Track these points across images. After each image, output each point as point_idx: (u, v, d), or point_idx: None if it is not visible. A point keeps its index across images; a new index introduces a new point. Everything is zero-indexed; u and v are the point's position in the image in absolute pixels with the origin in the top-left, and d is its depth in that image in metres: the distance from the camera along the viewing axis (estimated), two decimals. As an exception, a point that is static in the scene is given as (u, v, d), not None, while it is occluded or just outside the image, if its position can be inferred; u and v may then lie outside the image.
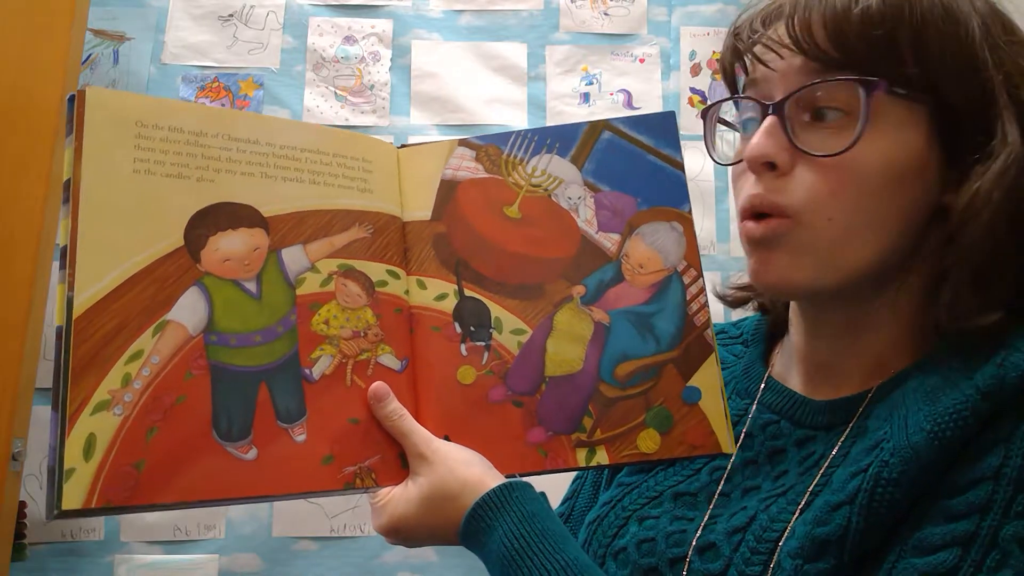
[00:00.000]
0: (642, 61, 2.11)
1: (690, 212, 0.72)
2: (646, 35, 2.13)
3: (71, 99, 0.61)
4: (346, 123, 2.04)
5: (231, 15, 2.06)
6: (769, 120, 0.64)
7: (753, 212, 0.65)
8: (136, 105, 0.64)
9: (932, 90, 0.61)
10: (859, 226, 0.62)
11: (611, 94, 2.10)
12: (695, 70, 2.11)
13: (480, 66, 2.09)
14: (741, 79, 0.70)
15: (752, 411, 0.74)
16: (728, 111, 0.72)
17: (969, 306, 0.60)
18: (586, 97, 2.09)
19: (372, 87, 2.06)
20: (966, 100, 0.62)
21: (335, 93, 2.05)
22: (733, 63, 0.71)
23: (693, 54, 2.11)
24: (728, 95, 0.72)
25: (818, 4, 0.62)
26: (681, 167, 0.72)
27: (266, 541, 1.80)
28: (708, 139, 0.73)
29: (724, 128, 0.73)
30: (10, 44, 1.53)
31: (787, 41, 0.63)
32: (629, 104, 2.10)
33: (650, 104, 2.10)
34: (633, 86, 2.10)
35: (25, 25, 1.55)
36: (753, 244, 0.65)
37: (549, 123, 2.07)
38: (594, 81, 2.10)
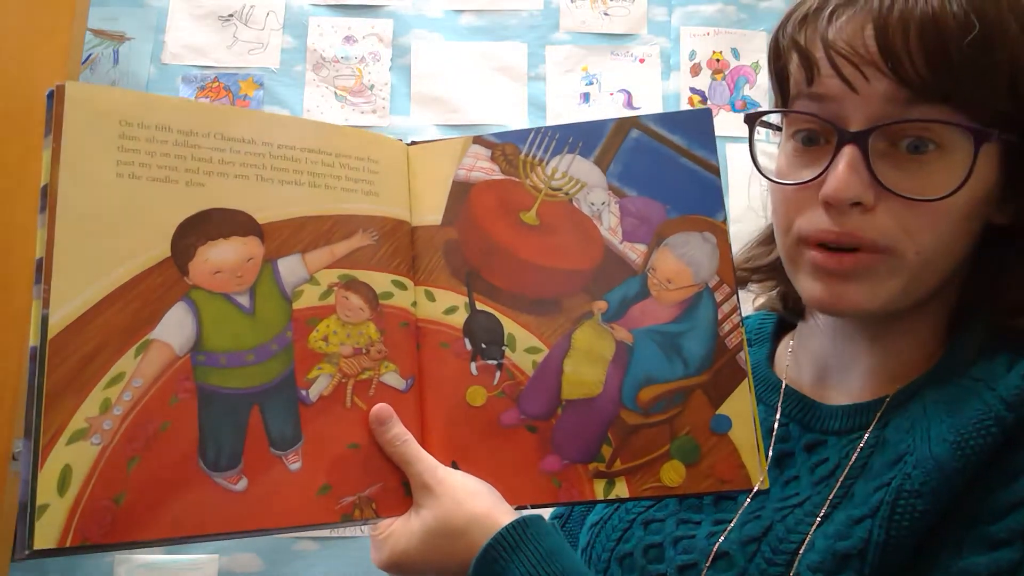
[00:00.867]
0: (642, 61, 2.11)
1: (725, 221, 0.65)
2: (646, 35, 2.13)
3: (50, 95, 0.56)
4: (346, 123, 2.04)
5: (231, 15, 2.06)
6: (851, 153, 0.58)
7: (827, 243, 0.61)
8: (120, 102, 0.58)
9: (1019, 122, 0.58)
10: (938, 256, 0.61)
11: (611, 94, 2.10)
12: (695, 70, 2.11)
13: (480, 66, 2.09)
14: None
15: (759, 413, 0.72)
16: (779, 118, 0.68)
17: None
18: (586, 97, 2.09)
19: (372, 87, 2.06)
20: None
21: (335, 93, 2.05)
22: (793, 58, 0.64)
23: (693, 54, 2.11)
24: (773, 86, 0.68)
25: (915, 13, 0.56)
26: (717, 171, 0.66)
27: (266, 541, 1.79)
28: (755, 149, 0.67)
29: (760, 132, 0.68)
30: (10, 44, 1.54)
31: (878, 60, 0.57)
32: (629, 104, 2.10)
33: (650, 104, 2.10)
34: (633, 86, 2.10)
35: (25, 25, 1.56)
36: (826, 274, 0.62)
37: (549, 124, 2.07)
38: (594, 81, 2.10)
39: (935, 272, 0.62)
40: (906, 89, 0.57)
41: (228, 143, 0.61)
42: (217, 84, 2.02)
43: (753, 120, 0.67)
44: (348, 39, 2.08)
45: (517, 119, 2.07)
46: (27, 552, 0.51)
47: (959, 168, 0.58)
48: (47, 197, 0.55)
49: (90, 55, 1.99)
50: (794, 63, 0.64)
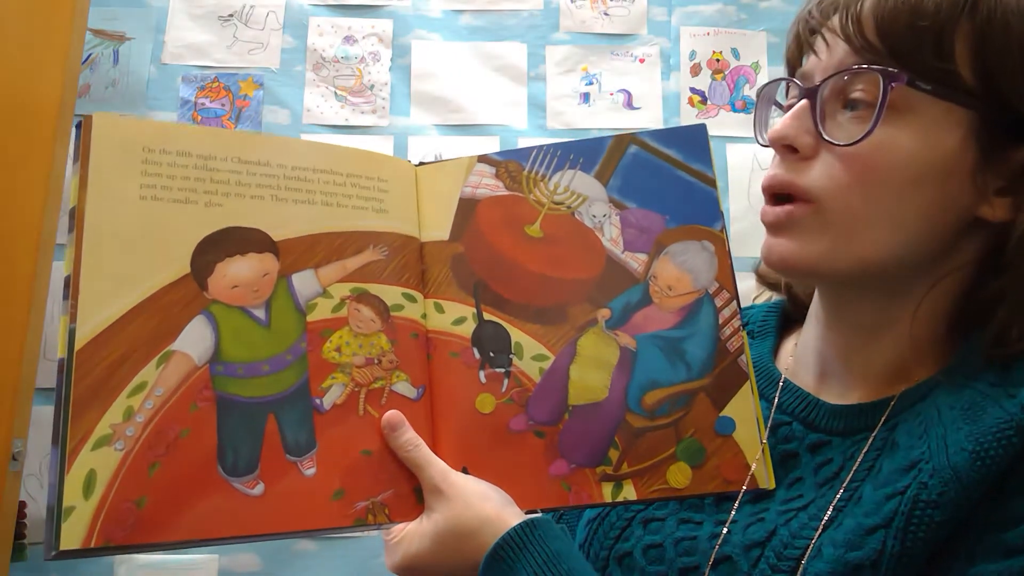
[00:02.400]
0: (642, 61, 2.12)
1: (722, 230, 0.68)
2: (646, 35, 2.13)
3: (78, 125, 0.59)
4: (346, 123, 2.04)
5: (231, 15, 2.06)
6: (800, 104, 0.63)
7: (772, 192, 0.64)
8: (143, 130, 0.62)
9: (987, 93, 0.59)
10: (875, 218, 0.61)
11: (611, 94, 2.10)
12: (695, 70, 2.11)
13: (480, 66, 2.09)
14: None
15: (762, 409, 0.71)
16: (784, 95, 0.71)
17: (1015, 343, 0.59)
18: (586, 97, 2.10)
19: (372, 87, 2.06)
20: None
21: (335, 93, 2.05)
22: (792, 49, 0.69)
23: (693, 54, 2.12)
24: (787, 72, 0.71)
25: None
26: (713, 183, 0.68)
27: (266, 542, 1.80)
28: (758, 120, 0.72)
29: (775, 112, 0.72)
30: (10, 44, 1.54)
31: (836, 27, 0.62)
32: (629, 104, 2.10)
33: (650, 104, 2.10)
34: (633, 86, 2.10)
35: (25, 25, 1.56)
36: (767, 227, 0.65)
37: (549, 123, 2.07)
38: (594, 81, 2.10)
39: (876, 238, 0.61)
40: (857, 54, 0.61)
41: (245, 166, 0.64)
42: (217, 84, 2.02)
43: (759, 94, 0.73)
44: (348, 39, 2.08)
45: (517, 119, 2.07)
46: (54, 552, 0.54)
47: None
48: (75, 218, 0.58)
49: (90, 55, 1.99)
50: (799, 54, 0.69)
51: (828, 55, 0.63)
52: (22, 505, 1.60)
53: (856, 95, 0.61)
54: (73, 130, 0.59)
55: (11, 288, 1.46)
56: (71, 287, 0.57)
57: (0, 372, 1.44)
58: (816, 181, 0.62)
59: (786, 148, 0.63)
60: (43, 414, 1.64)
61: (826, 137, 0.61)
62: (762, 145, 0.70)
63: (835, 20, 0.62)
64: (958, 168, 0.60)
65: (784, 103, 0.70)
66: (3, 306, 1.46)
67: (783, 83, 0.70)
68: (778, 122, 0.64)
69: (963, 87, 0.59)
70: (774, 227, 0.65)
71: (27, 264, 1.47)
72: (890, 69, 0.59)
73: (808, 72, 0.65)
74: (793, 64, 0.69)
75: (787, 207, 0.63)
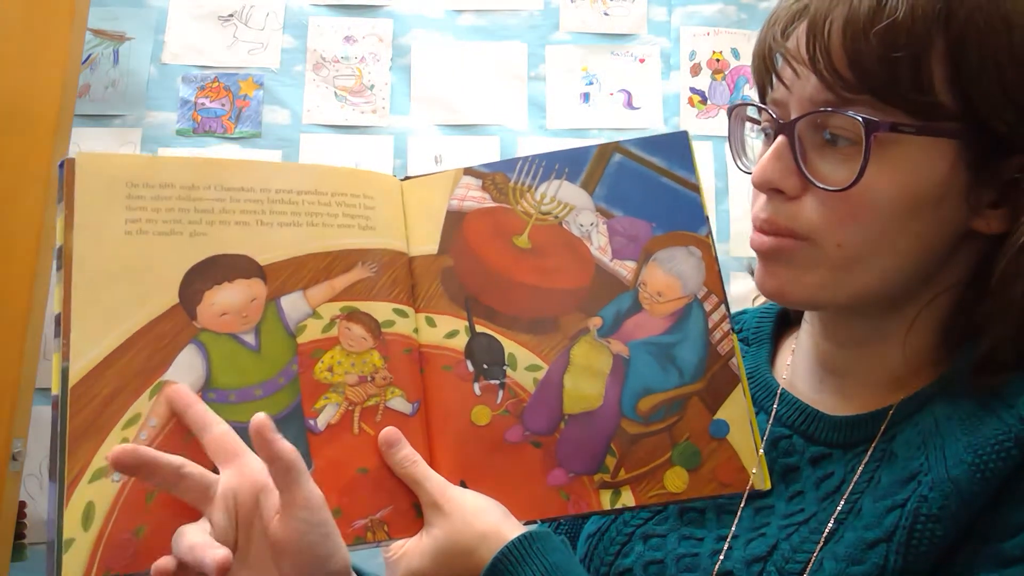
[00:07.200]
0: (642, 61, 2.12)
1: (708, 235, 0.68)
2: (646, 35, 2.13)
3: (61, 165, 0.60)
4: (346, 123, 2.04)
5: (231, 15, 2.06)
6: (779, 142, 0.61)
7: (762, 229, 0.64)
8: (126, 165, 0.62)
9: (967, 115, 0.57)
10: (870, 252, 0.60)
11: (611, 94, 2.10)
12: (695, 70, 2.11)
13: (480, 66, 2.09)
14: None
15: (760, 422, 0.71)
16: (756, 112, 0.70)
17: (1006, 362, 0.58)
18: (586, 97, 2.10)
19: (372, 87, 2.07)
20: (1012, 124, 0.57)
21: (335, 93, 2.05)
22: (759, 71, 0.68)
23: (693, 54, 2.12)
24: (757, 94, 0.70)
25: (841, 13, 0.58)
26: (697, 189, 0.69)
27: (265, 541, 1.80)
28: (733, 140, 0.70)
29: (751, 126, 0.71)
30: (10, 44, 1.54)
31: (804, 57, 0.60)
32: (629, 104, 2.10)
33: (650, 104, 2.10)
34: (633, 86, 2.11)
35: (25, 25, 1.56)
36: (759, 256, 0.64)
37: (549, 123, 2.08)
38: (594, 81, 2.11)
39: (871, 270, 0.61)
40: (829, 85, 0.59)
41: (228, 193, 0.64)
42: (217, 84, 2.02)
43: (730, 113, 0.71)
44: (348, 39, 2.08)
45: (517, 119, 2.07)
46: None
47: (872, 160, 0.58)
48: (62, 257, 0.59)
49: (90, 55, 1.99)
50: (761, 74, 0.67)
51: (799, 84, 0.61)
52: (22, 505, 1.61)
53: (836, 131, 0.59)
54: (56, 170, 0.60)
55: (11, 288, 1.47)
56: (62, 325, 0.58)
57: (0, 372, 1.44)
58: (808, 221, 0.61)
59: (772, 191, 0.62)
60: (43, 414, 1.64)
61: (814, 181, 0.60)
62: (742, 171, 0.70)
63: (802, 48, 0.60)
64: (951, 191, 0.59)
65: (760, 120, 0.69)
66: (3, 306, 1.47)
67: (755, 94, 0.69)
68: (761, 162, 0.62)
69: (945, 115, 0.57)
70: (768, 256, 0.64)
71: (27, 264, 1.48)
72: (871, 118, 0.57)
73: (781, 101, 0.63)
74: (762, 84, 0.68)
75: (778, 239, 0.62)
